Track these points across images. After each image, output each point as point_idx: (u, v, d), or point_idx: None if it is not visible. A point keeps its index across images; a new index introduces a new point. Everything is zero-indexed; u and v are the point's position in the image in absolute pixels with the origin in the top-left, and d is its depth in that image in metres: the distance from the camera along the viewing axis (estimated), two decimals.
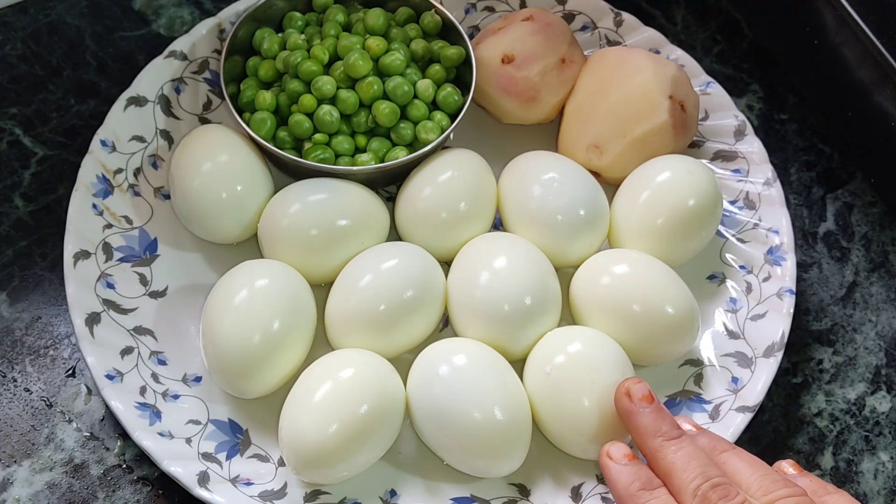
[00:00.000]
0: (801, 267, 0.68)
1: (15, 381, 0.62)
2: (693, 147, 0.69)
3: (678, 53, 0.71)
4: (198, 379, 0.60)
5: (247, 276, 0.59)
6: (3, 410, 0.61)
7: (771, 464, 0.51)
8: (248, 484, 0.56)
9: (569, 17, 0.73)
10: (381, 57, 0.64)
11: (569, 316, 0.62)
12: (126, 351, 0.59)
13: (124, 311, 0.61)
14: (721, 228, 0.66)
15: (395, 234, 0.64)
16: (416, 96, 0.64)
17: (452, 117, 0.65)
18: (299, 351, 0.58)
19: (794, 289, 0.63)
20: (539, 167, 0.63)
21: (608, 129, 0.65)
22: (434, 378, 0.56)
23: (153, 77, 0.67)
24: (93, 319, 0.59)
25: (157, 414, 0.58)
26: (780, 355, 0.61)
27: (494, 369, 0.56)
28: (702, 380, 0.62)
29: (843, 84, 0.69)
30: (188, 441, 0.57)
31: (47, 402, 0.61)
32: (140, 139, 0.66)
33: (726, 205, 0.67)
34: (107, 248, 0.62)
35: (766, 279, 0.64)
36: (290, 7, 0.68)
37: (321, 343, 0.60)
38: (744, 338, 0.62)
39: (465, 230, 0.62)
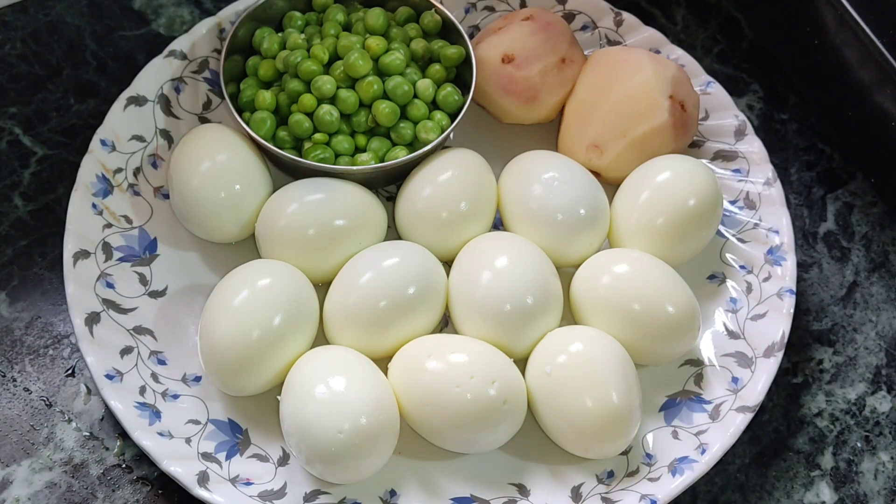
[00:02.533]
0: (802, 267, 0.68)
1: (14, 380, 0.62)
2: (693, 147, 0.69)
3: (678, 53, 0.71)
4: (197, 379, 0.60)
5: (248, 275, 0.59)
6: (2, 410, 0.61)
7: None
8: (248, 484, 0.56)
9: (569, 17, 0.73)
10: (381, 56, 0.64)
11: (569, 315, 0.62)
12: (126, 351, 0.59)
13: (124, 311, 0.61)
14: (721, 228, 0.66)
15: (394, 234, 0.64)
16: (416, 96, 0.64)
17: (452, 117, 0.65)
18: (299, 348, 0.58)
19: (794, 289, 0.63)
20: (539, 166, 0.63)
21: (608, 128, 0.65)
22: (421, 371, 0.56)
23: (153, 76, 0.67)
24: (92, 319, 0.59)
25: (156, 414, 0.57)
26: (780, 355, 0.61)
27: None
28: (702, 380, 0.61)
29: (843, 84, 0.69)
30: (188, 441, 0.57)
31: (47, 402, 0.61)
32: (140, 139, 0.66)
33: (726, 205, 0.67)
34: (106, 248, 0.62)
35: (766, 279, 0.64)
36: (290, 7, 0.68)
37: (320, 341, 0.60)
38: (744, 338, 0.62)
39: (465, 230, 0.62)
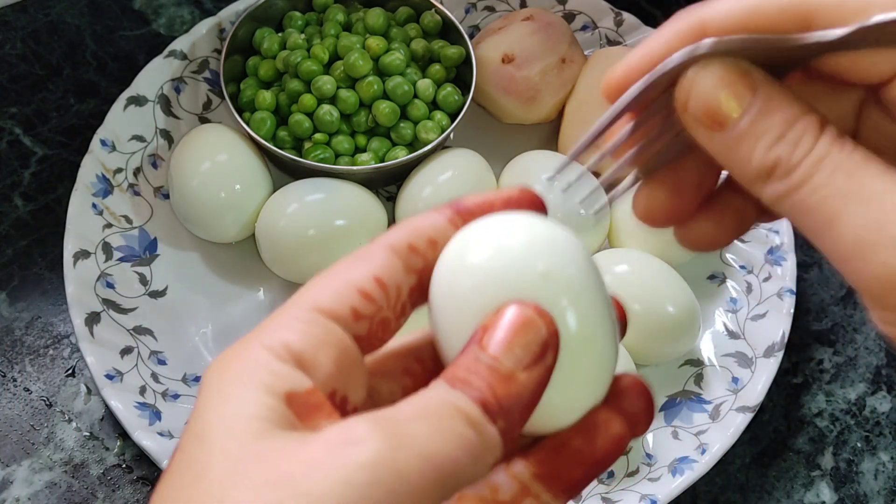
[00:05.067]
0: (802, 267, 0.68)
1: (14, 380, 0.62)
2: None
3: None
4: (198, 379, 0.60)
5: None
6: (2, 410, 0.61)
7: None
8: None
9: (569, 17, 0.73)
10: (381, 56, 0.64)
11: None
12: (126, 351, 0.59)
13: (124, 311, 0.61)
14: None
15: None
16: (416, 96, 0.64)
17: (452, 117, 0.65)
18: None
19: (794, 289, 0.63)
20: (539, 167, 0.63)
21: None
22: None
23: (153, 76, 0.67)
24: (92, 319, 0.59)
25: (156, 414, 0.57)
26: (780, 355, 0.61)
27: None
28: (702, 380, 0.61)
29: None
30: None
31: (47, 402, 0.61)
32: (140, 139, 0.66)
33: None
34: (106, 248, 0.62)
35: (766, 279, 0.64)
36: (290, 7, 0.68)
37: None
38: (744, 338, 0.62)
39: None
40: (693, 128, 0.27)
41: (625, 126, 0.29)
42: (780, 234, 0.65)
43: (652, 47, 0.27)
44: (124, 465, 0.59)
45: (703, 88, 0.26)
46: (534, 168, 0.63)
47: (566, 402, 0.27)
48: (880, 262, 0.23)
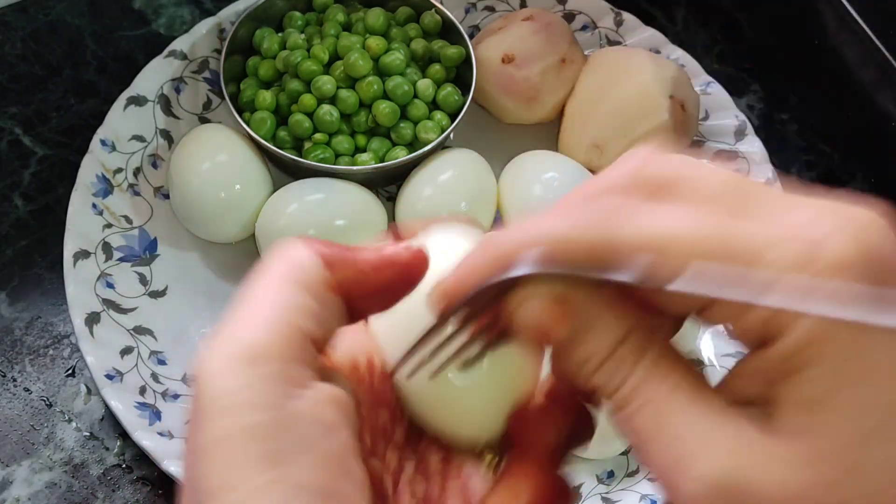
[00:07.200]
0: None
1: (14, 380, 0.62)
2: (693, 147, 0.69)
3: (678, 53, 0.71)
4: None
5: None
6: (2, 410, 0.61)
7: None
8: None
9: (569, 17, 0.73)
10: (381, 56, 0.64)
11: None
12: (126, 351, 0.59)
13: (124, 311, 0.61)
14: None
15: None
16: (416, 96, 0.64)
17: (452, 117, 0.65)
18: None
19: None
20: (540, 167, 0.63)
21: (609, 128, 0.65)
22: None
23: (153, 76, 0.67)
24: (93, 319, 0.59)
25: (156, 414, 0.57)
26: None
27: None
28: None
29: (843, 84, 0.69)
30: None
31: (47, 402, 0.61)
32: (140, 139, 0.66)
33: None
34: (107, 248, 0.62)
35: None
36: (290, 6, 0.68)
37: None
38: None
39: None
40: (524, 344, 0.28)
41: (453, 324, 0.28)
42: None
43: (469, 272, 0.27)
44: (124, 465, 0.59)
45: (523, 321, 0.27)
46: (534, 168, 0.63)
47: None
48: (683, 495, 0.25)
